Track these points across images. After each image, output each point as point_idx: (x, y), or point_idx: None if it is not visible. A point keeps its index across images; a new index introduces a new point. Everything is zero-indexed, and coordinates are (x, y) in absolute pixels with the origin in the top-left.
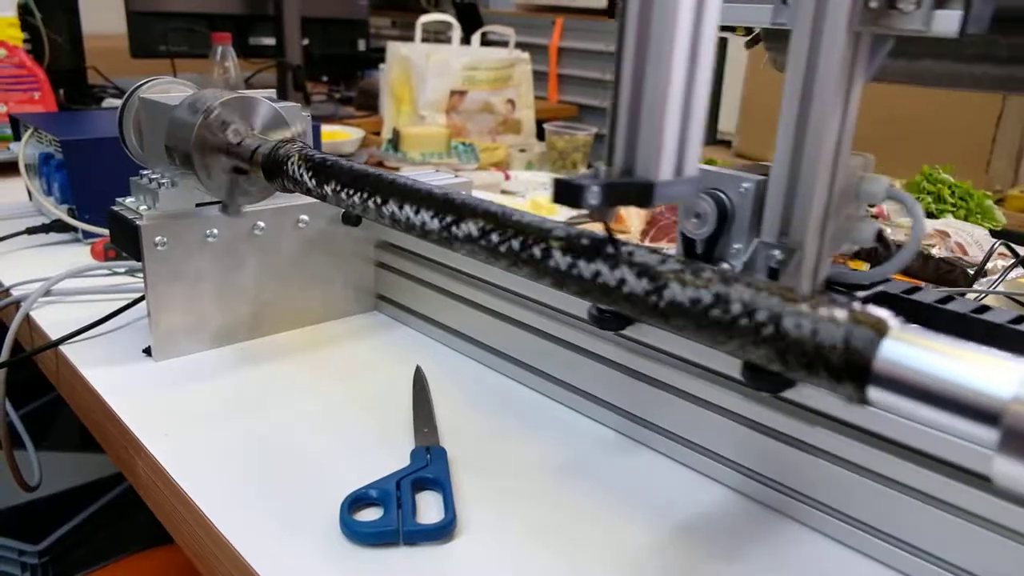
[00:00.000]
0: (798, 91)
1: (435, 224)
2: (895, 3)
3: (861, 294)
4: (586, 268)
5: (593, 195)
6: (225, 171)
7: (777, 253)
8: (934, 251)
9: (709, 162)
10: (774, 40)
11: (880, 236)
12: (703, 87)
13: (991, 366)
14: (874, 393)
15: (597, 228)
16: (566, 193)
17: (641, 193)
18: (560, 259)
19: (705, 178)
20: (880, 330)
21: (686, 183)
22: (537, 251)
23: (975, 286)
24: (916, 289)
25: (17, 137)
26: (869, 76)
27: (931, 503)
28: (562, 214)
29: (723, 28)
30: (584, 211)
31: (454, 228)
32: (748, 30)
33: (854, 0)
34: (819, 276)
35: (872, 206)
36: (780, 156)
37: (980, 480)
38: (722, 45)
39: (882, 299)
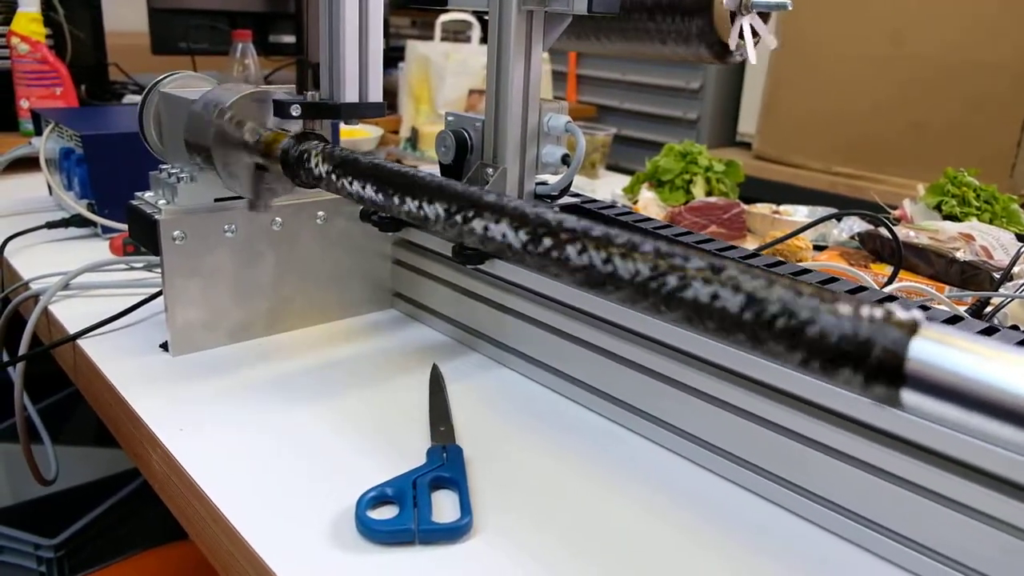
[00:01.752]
0: (495, 56)
1: (458, 221)
2: None
3: (560, 202)
4: (625, 268)
5: (295, 110)
6: (244, 166)
7: (489, 171)
8: (959, 254)
9: (729, 164)
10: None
11: (564, 159)
12: (376, 38)
13: None
14: (907, 396)
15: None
16: (276, 108)
17: (332, 110)
18: (578, 257)
19: (455, 120)
20: (911, 330)
21: (372, 106)
22: (555, 251)
23: (1000, 290)
24: (610, 206)
25: (38, 132)
26: (547, 45)
27: (932, 498)
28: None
29: (474, 13)
30: None
31: (475, 224)
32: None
33: None
34: (524, 189)
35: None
36: (488, 103)
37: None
38: None
39: (573, 209)
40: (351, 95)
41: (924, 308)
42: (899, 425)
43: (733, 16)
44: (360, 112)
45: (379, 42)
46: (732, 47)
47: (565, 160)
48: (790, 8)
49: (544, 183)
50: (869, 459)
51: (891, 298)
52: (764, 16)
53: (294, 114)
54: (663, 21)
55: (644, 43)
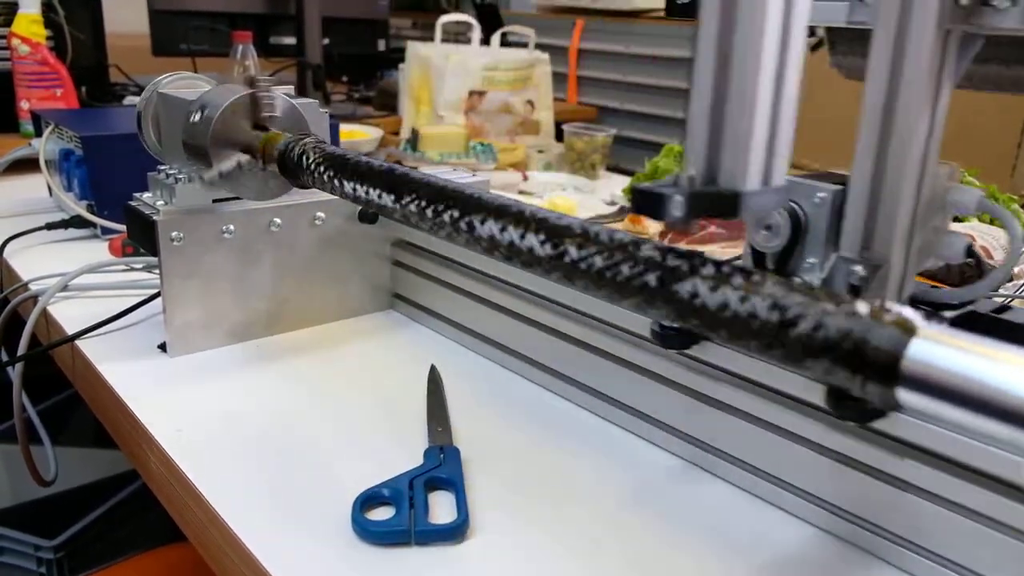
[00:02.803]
0: (881, 95)
1: (460, 224)
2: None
3: (949, 314)
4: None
5: (677, 206)
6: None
7: (859, 269)
8: None
9: None
10: (843, 43)
11: (970, 251)
12: (793, 86)
13: None
14: (904, 395)
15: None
16: (646, 203)
17: (726, 203)
18: (544, 248)
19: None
20: (908, 329)
21: (773, 193)
22: (550, 250)
23: (1000, 290)
24: (1006, 308)
25: (38, 133)
26: (957, 78)
27: (931, 499)
28: (580, 213)
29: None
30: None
31: (476, 225)
32: (810, 32)
33: None
34: (904, 293)
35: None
36: (860, 165)
37: None
38: None
39: (971, 320)
40: (754, 180)
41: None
42: (896, 427)
43: None
44: (762, 204)
45: (797, 88)
46: None
47: (972, 253)
48: None
49: (937, 287)
50: (860, 456)
51: (967, 318)
52: None
53: (676, 213)
54: None
55: None
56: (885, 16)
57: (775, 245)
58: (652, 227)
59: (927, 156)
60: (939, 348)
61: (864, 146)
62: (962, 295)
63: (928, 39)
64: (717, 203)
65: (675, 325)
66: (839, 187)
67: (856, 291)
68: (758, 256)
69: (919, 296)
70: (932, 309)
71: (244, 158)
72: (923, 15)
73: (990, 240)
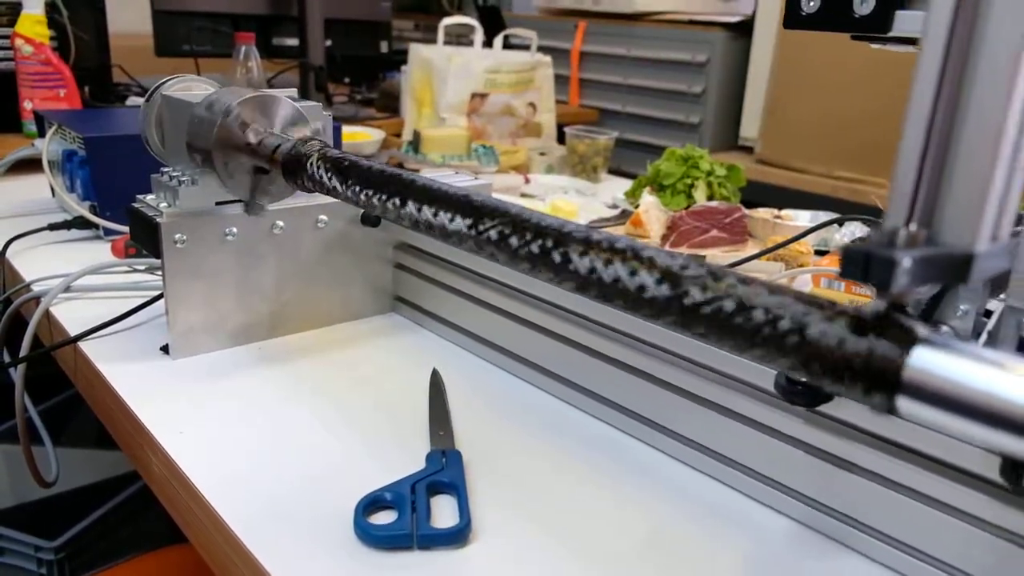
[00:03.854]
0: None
1: (461, 227)
2: None
3: None
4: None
5: (905, 273)
6: (245, 170)
7: None
8: None
9: (731, 168)
10: None
11: None
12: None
13: None
14: (903, 404)
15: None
16: (870, 269)
17: (957, 268)
18: (580, 262)
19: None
20: (909, 338)
21: (1002, 253)
22: (558, 255)
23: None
24: None
25: (41, 134)
26: None
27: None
28: (582, 217)
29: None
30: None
31: (481, 230)
32: None
33: None
34: None
35: None
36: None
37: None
38: (744, 49)
39: None
40: (984, 239)
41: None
42: (895, 431)
43: None
44: (992, 267)
45: None
46: None
47: None
48: None
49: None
50: (867, 464)
51: None
52: None
53: (903, 280)
54: None
55: None
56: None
57: (925, 290)
58: (653, 231)
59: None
60: (940, 357)
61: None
62: None
63: (1008, 54)
64: (946, 267)
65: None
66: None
67: None
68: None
69: None
70: None
71: (250, 143)
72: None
73: None
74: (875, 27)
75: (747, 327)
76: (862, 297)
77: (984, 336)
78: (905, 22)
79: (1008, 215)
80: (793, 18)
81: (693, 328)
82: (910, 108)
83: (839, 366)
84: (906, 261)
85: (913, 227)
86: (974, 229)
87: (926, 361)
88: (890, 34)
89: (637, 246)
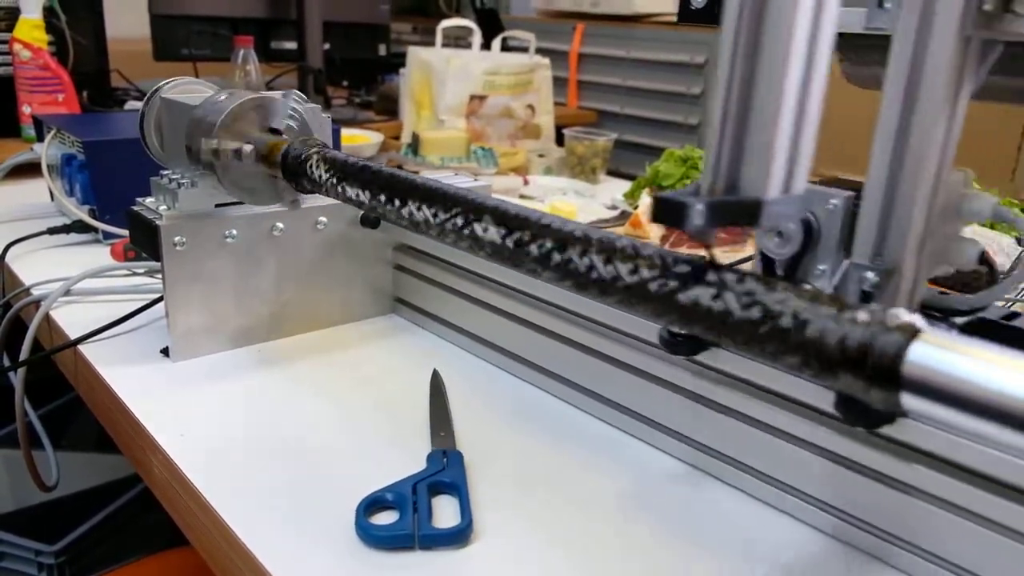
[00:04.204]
0: (898, 101)
1: (457, 224)
2: (1011, 6)
3: (959, 320)
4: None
5: (698, 214)
6: (245, 172)
7: (871, 275)
8: None
9: None
10: (856, 50)
11: (984, 257)
12: (818, 95)
13: None
14: (907, 400)
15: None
16: (667, 212)
17: (748, 211)
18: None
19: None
20: (910, 333)
21: (794, 201)
22: (556, 255)
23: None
24: (1016, 315)
25: (40, 138)
26: (977, 85)
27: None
28: (581, 218)
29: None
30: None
31: (475, 228)
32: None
33: (967, 1)
34: (915, 299)
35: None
36: (876, 171)
37: None
38: None
39: (982, 326)
40: (775, 187)
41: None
42: (898, 430)
43: None
44: (783, 212)
45: (821, 97)
46: None
47: (985, 260)
48: None
49: (946, 294)
50: (860, 459)
51: (977, 325)
52: None
53: (697, 221)
54: None
55: None
56: (905, 21)
57: (787, 252)
58: (653, 232)
59: (942, 164)
60: (940, 352)
61: (879, 153)
62: (973, 301)
63: (949, 45)
64: (738, 211)
65: (683, 331)
66: (852, 194)
67: (868, 297)
68: (768, 262)
69: (930, 302)
70: (943, 315)
71: (247, 148)
72: (945, 21)
73: (992, 245)
74: (711, 19)
75: (747, 324)
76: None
77: (830, 291)
78: None
79: (799, 173)
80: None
81: (694, 327)
82: (727, 90)
83: (839, 362)
84: (698, 206)
85: (715, 181)
86: (764, 182)
87: (926, 356)
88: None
89: (638, 244)
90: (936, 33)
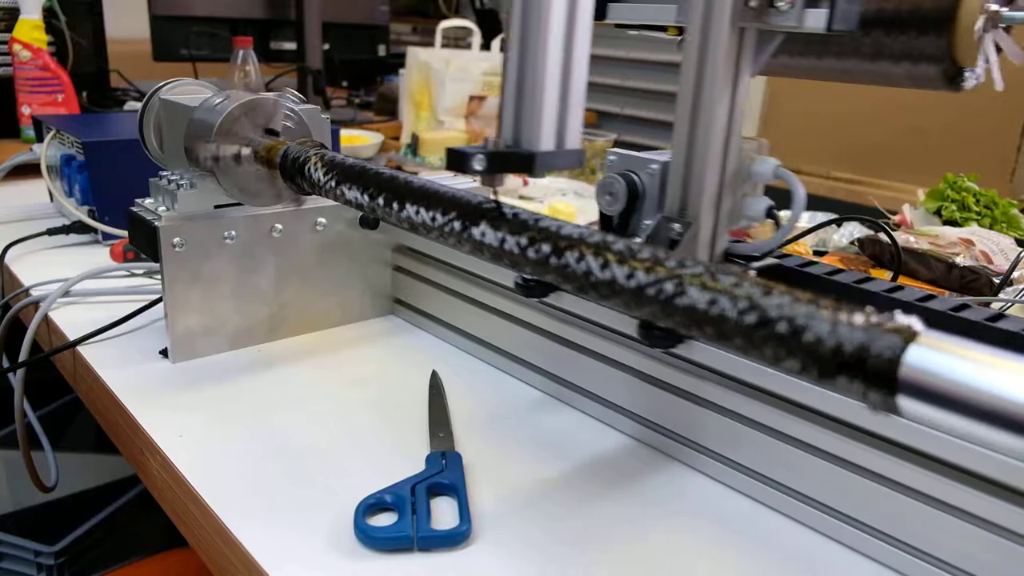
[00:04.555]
0: (691, 82)
1: (456, 227)
2: (773, 2)
3: (756, 265)
4: (612, 272)
5: (479, 162)
6: (243, 173)
7: (676, 227)
8: (959, 259)
9: None
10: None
11: (770, 212)
12: (581, 69)
13: None
14: (903, 402)
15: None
16: (455, 161)
17: (523, 162)
18: (580, 264)
19: (620, 161)
20: (907, 336)
21: (568, 154)
22: (571, 258)
23: (1000, 295)
24: (812, 263)
25: (40, 139)
26: (756, 69)
27: (928, 502)
28: (580, 219)
29: (652, 28)
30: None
31: (472, 230)
32: (679, 29)
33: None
34: (716, 248)
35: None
36: (678, 140)
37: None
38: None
39: (776, 272)
40: (547, 142)
41: (963, 306)
42: (892, 429)
43: (977, 30)
44: (556, 163)
45: (584, 75)
46: (979, 67)
47: (771, 214)
48: None
49: (740, 241)
50: (861, 462)
51: (897, 287)
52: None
53: (478, 168)
54: (888, 37)
55: (864, 63)
56: (693, 16)
57: (615, 209)
58: None
59: (730, 134)
60: (939, 355)
61: (679, 126)
62: (761, 247)
63: (724, 35)
64: (515, 162)
65: (535, 278)
66: (667, 160)
67: (673, 244)
68: (605, 219)
69: (730, 251)
70: (743, 261)
71: (246, 151)
72: (720, 15)
73: (990, 245)
74: (597, 16)
75: (745, 329)
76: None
77: (643, 239)
78: (619, 12)
79: (570, 130)
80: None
81: (693, 330)
82: (506, 66)
83: (836, 365)
84: (479, 155)
85: (501, 137)
86: (537, 139)
87: (923, 359)
88: (608, 21)
89: (635, 247)
90: (714, 25)
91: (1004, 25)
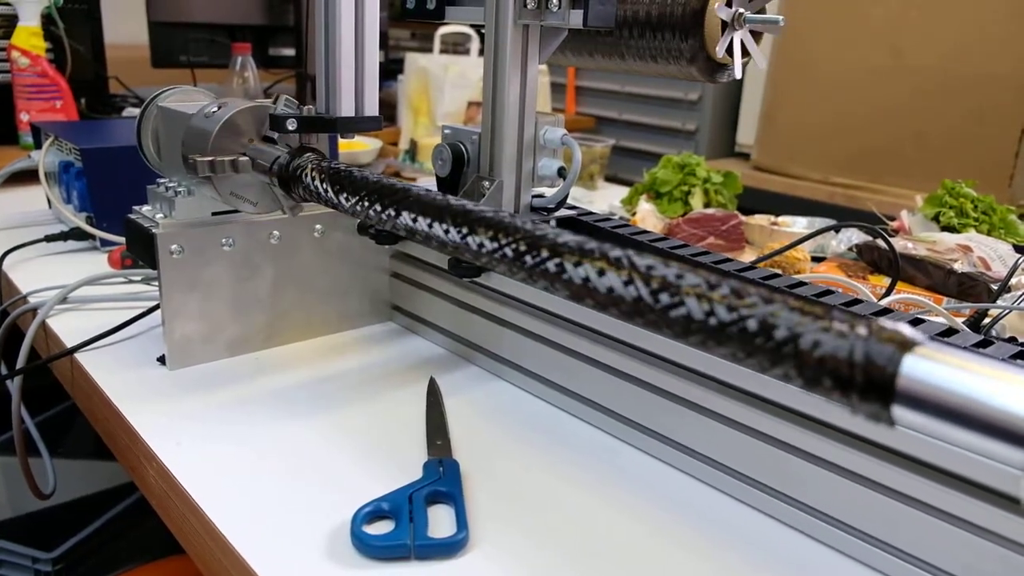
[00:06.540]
0: (491, 69)
1: (454, 237)
2: (548, 4)
3: (556, 215)
4: (601, 282)
5: (291, 123)
6: (241, 181)
7: (486, 183)
8: (957, 266)
9: (727, 175)
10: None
11: (561, 171)
12: (372, 53)
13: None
14: (899, 412)
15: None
16: (272, 123)
17: (330, 125)
18: (574, 271)
19: (452, 133)
20: (903, 346)
21: (366, 120)
22: (551, 265)
23: (999, 301)
24: (606, 219)
25: (38, 145)
26: (543, 59)
27: (926, 511)
28: None
29: (472, 26)
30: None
31: (469, 239)
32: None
33: (516, 1)
34: (521, 202)
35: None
36: (484, 116)
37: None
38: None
39: (571, 223)
40: (347, 109)
41: (919, 320)
42: (892, 438)
43: (724, 28)
44: (356, 126)
45: (375, 55)
46: (719, 56)
47: (561, 173)
48: (782, 26)
49: (541, 196)
50: (864, 472)
51: (887, 310)
52: (756, 36)
53: (290, 128)
54: (654, 38)
55: (636, 60)
56: (488, 14)
57: (445, 171)
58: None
59: (523, 110)
60: (935, 366)
61: (486, 104)
62: (554, 199)
63: (510, 30)
64: (322, 125)
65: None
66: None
67: (481, 197)
68: (440, 182)
69: (533, 205)
70: (544, 213)
71: (243, 160)
72: (505, 13)
73: (988, 251)
74: (436, 16)
75: (742, 336)
76: None
77: (460, 194)
78: (452, 13)
79: (367, 102)
80: (401, 10)
81: (689, 338)
82: (316, 47)
83: (832, 375)
84: (291, 118)
85: (314, 106)
86: (338, 105)
87: (920, 369)
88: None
89: (632, 255)
90: (501, 22)
91: (750, 27)
